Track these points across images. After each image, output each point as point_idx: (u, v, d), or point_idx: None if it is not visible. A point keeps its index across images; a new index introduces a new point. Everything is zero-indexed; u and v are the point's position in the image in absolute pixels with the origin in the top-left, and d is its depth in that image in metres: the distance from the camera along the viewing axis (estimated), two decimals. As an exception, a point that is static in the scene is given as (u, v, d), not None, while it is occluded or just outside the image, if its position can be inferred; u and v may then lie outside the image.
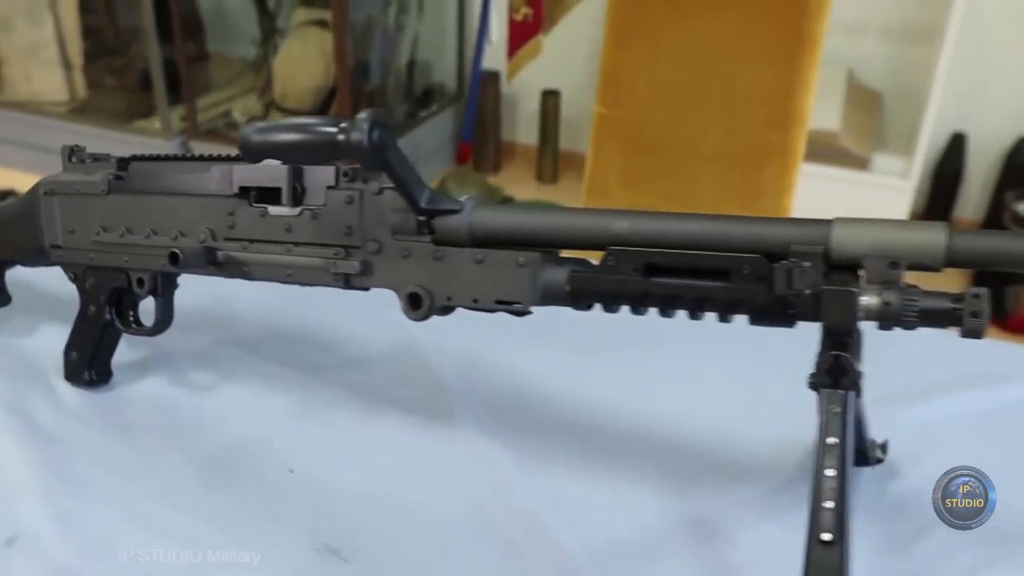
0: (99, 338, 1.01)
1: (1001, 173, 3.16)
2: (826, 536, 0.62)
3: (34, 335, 1.13)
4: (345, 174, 0.81)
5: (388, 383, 1.05)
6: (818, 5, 1.73)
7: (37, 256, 1.04)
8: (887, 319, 0.62)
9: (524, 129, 3.91)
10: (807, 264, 0.62)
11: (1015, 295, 2.81)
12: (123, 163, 0.97)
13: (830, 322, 0.64)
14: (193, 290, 1.05)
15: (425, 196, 0.75)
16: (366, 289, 0.82)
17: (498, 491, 0.87)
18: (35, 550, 0.79)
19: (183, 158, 0.93)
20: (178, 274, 0.97)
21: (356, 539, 0.81)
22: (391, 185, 0.76)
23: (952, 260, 0.62)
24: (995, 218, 3.09)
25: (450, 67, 3.91)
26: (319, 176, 0.83)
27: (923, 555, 0.81)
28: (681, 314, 0.70)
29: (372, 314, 1.02)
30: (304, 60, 3.33)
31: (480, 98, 3.74)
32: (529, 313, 0.75)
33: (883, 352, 1.09)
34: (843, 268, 0.64)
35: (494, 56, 3.45)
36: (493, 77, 3.65)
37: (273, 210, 0.85)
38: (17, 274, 1.14)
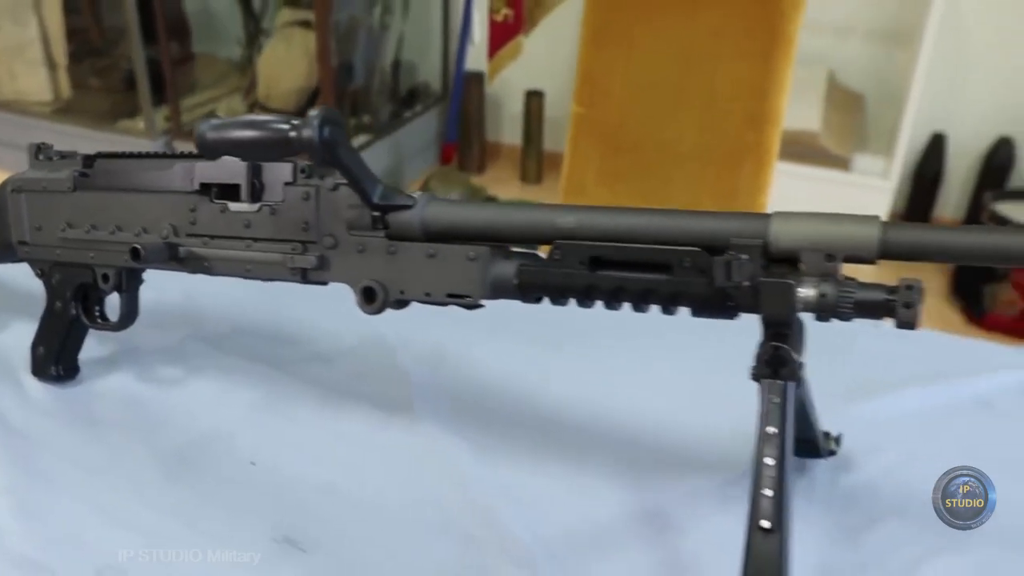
0: (66, 334, 1.02)
1: (980, 173, 3.19)
2: (765, 524, 0.64)
3: (1, 331, 1.15)
4: (302, 171, 0.82)
5: (352, 378, 1.06)
6: (792, 5, 1.74)
7: (5, 253, 1.05)
8: (824, 310, 0.63)
9: (509, 129, 3.92)
10: (745, 257, 0.63)
11: (992, 293, 2.84)
12: (88, 160, 0.98)
13: (769, 313, 0.65)
14: (163, 287, 1.06)
15: (378, 192, 0.76)
16: (324, 283, 0.84)
17: (456, 484, 0.88)
18: (0, 544, 0.80)
19: (147, 155, 0.94)
20: (142, 270, 0.98)
21: (315, 531, 0.82)
22: (346, 181, 0.77)
23: (886, 252, 0.63)
24: (974, 218, 3.12)
25: (435, 67, 3.92)
26: (277, 173, 0.84)
27: (873, 546, 0.82)
28: (627, 307, 0.71)
29: (340, 309, 1.02)
30: (288, 61, 3.34)
31: (464, 98, 3.75)
32: (480, 306, 0.76)
33: (846, 347, 1.12)
34: (782, 261, 0.65)
35: (477, 57, 3.47)
36: (477, 78, 3.67)
37: (233, 206, 0.86)
38: (-15, 271, 1.14)
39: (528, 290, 0.72)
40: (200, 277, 0.93)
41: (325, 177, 0.82)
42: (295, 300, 1.00)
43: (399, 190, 0.77)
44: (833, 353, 1.10)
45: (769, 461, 0.65)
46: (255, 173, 0.85)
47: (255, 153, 0.78)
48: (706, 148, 1.87)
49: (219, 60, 3.85)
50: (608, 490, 0.88)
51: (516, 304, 0.76)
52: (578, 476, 0.90)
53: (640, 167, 1.95)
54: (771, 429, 0.65)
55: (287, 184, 0.83)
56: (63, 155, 1.01)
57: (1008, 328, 2.76)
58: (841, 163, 3.18)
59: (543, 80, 3.63)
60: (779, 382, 0.66)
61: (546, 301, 0.74)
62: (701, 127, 1.87)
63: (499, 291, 0.74)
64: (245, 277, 0.88)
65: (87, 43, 3.67)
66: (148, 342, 1.12)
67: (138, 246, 0.87)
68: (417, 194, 0.77)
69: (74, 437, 0.96)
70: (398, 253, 0.77)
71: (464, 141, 3.84)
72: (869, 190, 3.11)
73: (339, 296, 0.86)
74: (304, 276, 0.83)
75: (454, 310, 0.80)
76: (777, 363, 0.66)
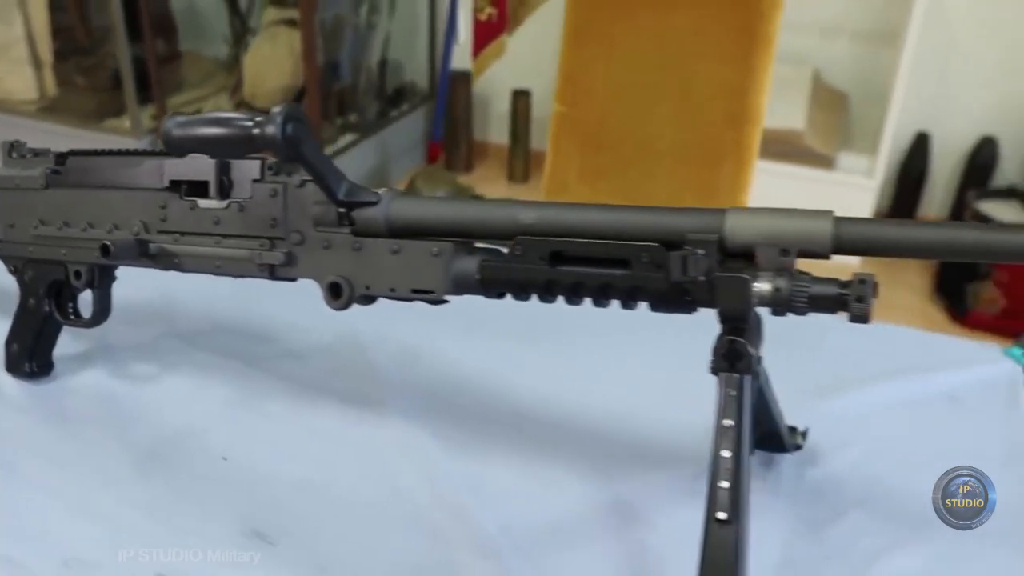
0: (39, 330, 1.02)
1: (964, 172, 3.21)
2: (721, 515, 0.65)
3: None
4: (270, 167, 0.83)
5: (325, 374, 1.07)
6: (771, 5, 1.75)
7: (-22, 250, 1.05)
8: (779, 304, 0.64)
9: (496, 129, 3.93)
10: (701, 252, 0.64)
11: (975, 292, 2.85)
12: (61, 158, 0.98)
13: (725, 308, 0.66)
14: (139, 284, 1.06)
15: (343, 188, 0.77)
16: (292, 280, 0.84)
17: (424, 478, 0.89)
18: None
19: (119, 152, 0.95)
20: (114, 267, 0.99)
21: (284, 524, 0.83)
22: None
23: (839, 247, 0.64)
24: (958, 216, 3.14)
25: (422, 66, 3.93)
26: (245, 170, 0.84)
27: (837, 538, 0.83)
28: (588, 302, 0.72)
29: (316, 307, 1.02)
30: (274, 59, 3.34)
31: (451, 98, 3.76)
32: (444, 302, 0.77)
33: (817, 343, 1.13)
34: (738, 256, 0.66)
35: (464, 56, 3.47)
36: (464, 77, 3.67)
37: (202, 203, 0.87)
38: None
39: (490, 285, 0.73)
40: (176, 275, 0.93)
41: (292, 174, 0.82)
42: (271, 297, 1.01)
43: (364, 187, 0.78)
44: (804, 349, 1.11)
45: (726, 454, 0.66)
46: (223, 170, 0.85)
47: (220, 150, 0.79)
48: (686, 146, 1.88)
49: (206, 59, 3.85)
50: (577, 484, 0.89)
51: (492, 301, 0.76)
52: (547, 470, 0.91)
53: (622, 165, 1.96)
54: (728, 422, 0.66)
55: (255, 181, 0.84)
56: (36, 152, 1.01)
57: (990, 326, 2.77)
58: (826, 162, 3.20)
59: (530, 79, 3.63)
60: (736, 375, 0.67)
61: (512, 297, 0.75)
62: (681, 126, 1.88)
63: (462, 286, 0.75)
64: (215, 273, 0.88)
65: (73, 41, 3.66)
66: (123, 339, 1.12)
67: (108, 242, 0.88)
68: (382, 191, 0.78)
69: (46, 433, 0.96)
70: (363, 249, 0.78)
71: (451, 140, 3.85)
72: (853, 189, 3.13)
73: (314, 293, 0.87)
74: (272, 272, 0.84)
75: (429, 307, 0.80)
76: (733, 357, 0.66)
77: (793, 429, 0.92)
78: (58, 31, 3.59)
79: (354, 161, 3.46)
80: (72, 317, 1.03)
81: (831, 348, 1.13)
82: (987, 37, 3.10)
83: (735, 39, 1.78)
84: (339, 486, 0.89)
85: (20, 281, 1.03)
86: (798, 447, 0.92)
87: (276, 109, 0.70)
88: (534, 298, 0.73)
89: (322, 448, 0.94)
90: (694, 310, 0.68)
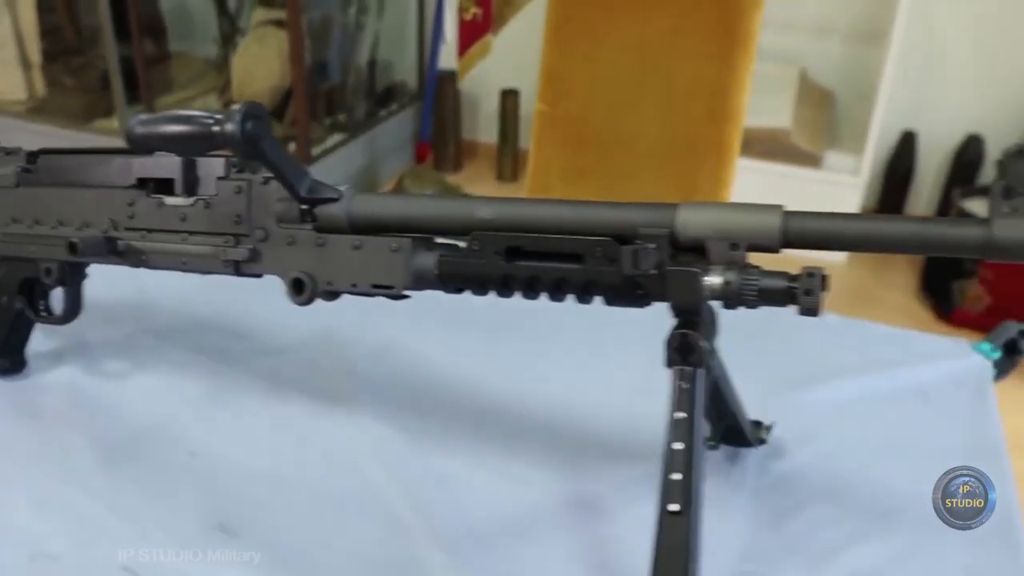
0: (11, 327, 1.03)
1: (950, 170, 3.22)
2: (673, 507, 0.66)
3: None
4: (234, 165, 0.84)
5: (297, 369, 1.07)
6: (751, 3, 1.76)
7: (-48, 248, 1.05)
8: (729, 297, 0.65)
9: (485, 128, 3.94)
10: (652, 246, 0.65)
11: (960, 289, 2.86)
12: (32, 156, 0.99)
13: (676, 301, 0.67)
14: (117, 281, 1.07)
15: (305, 185, 0.77)
16: (257, 276, 0.85)
17: (390, 472, 0.89)
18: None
19: (89, 151, 0.95)
20: (85, 264, 0.99)
21: (247, 517, 0.84)
22: None
23: (788, 241, 0.64)
24: (944, 214, 3.15)
25: (411, 66, 3.93)
26: (210, 167, 0.85)
27: (797, 530, 0.85)
28: (549, 297, 0.72)
29: (292, 304, 1.04)
30: (262, 60, 3.34)
31: (440, 97, 3.76)
32: (405, 297, 0.78)
33: (788, 339, 1.14)
34: (690, 250, 0.66)
35: (452, 56, 3.48)
36: (452, 77, 3.67)
37: (169, 200, 0.88)
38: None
39: (448, 280, 0.74)
40: (155, 272, 0.94)
41: (257, 171, 0.83)
42: (248, 295, 1.01)
43: (326, 184, 0.79)
44: (773, 345, 1.13)
45: (678, 446, 0.67)
46: (189, 168, 0.86)
47: (182, 147, 0.79)
48: (668, 144, 1.89)
49: (196, 59, 3.85)
50: (541, 478, 0.89)
51: (465, 298, 0.77)
52: (512, 464, 0.91)
53: (604, 164, 1.97)
54: (680, 414, 0.67)
55: (220, 178, 0.85)
56: (7, 151, 1.02)
57: (975, 323, 2.78)
58: (812, 160, 3.21)
59: (518, 78, 3.64)
60: (688, 368, 0.68)
61: (471, 292, 0.75)
62: (663, 124, 1.89)
63: (421, 282, 0.75)
64: (182, 270, 0.89)
65: (62, 42, 3.67)
66: (98, 336, 1.13)
67: (75, 240, 0.88)
68: (343, 187, 0.79)
69: (15, 429, 0.97)
70: (326, 245, 0.79)
71: (440, 140, 3.86)
72: (840, 187, 3.14)
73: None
74: (237, 268, 0.84)
75: (404, 303, 0.81)
76: (685, 350, 0.67)
77: (758, 424, 0.93)
78: (47, 32, 3.59)
79: (343, 161, 3.47)
80: (44, 314, 1.03)
81: (801, 344, 1.14)
82: (972, 36, 3.11)
83: (715, 37, 1.79)
84: (304, 480, 0.90)
85: (-8, 279, 1.04)
86: (762, 441, 0.93)
87: (236, 107, 0.71)
88: (492, 293, 0.74)
89: (289, 442, 0.95)
90: (648, 304, 0.69)
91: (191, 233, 0.87)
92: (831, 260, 3.15)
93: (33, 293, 1.03)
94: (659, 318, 0.71)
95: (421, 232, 0.76)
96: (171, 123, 0.75)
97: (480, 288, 0.73)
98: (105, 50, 3.36)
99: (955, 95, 3.20)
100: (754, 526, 0.85)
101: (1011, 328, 1.14)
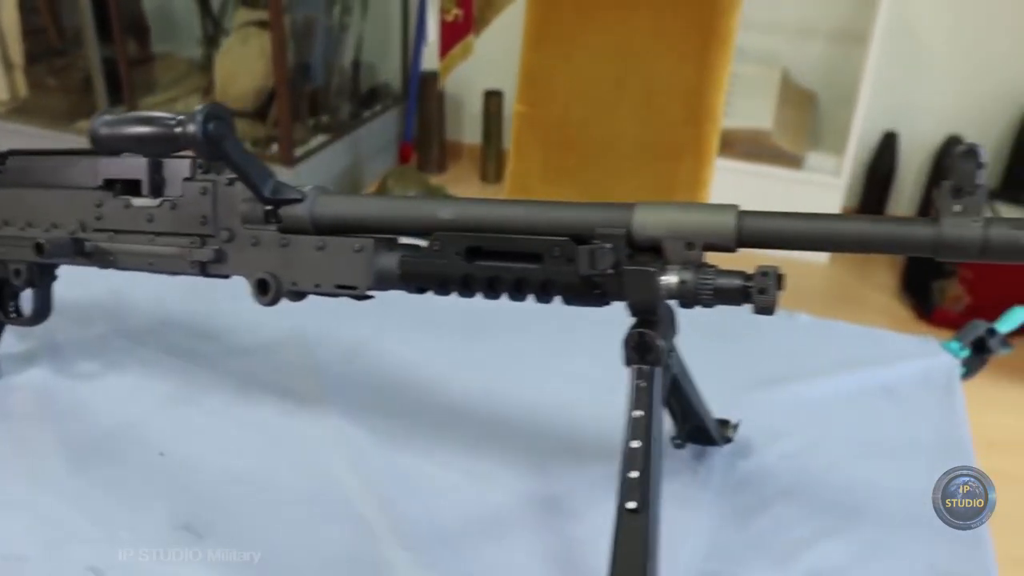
0: (-20, 329, 1.03)
1: (931, 171, 3.24)
2: (631, 504, 0.66)
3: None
4: (200, 166, 0.84)
5: (267, 370, 1.07)
6: (729, 3, 1.77)
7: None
8: (685, 296, 0.65)
9: (469, 129, 3.94)
10: (608, 246, 0.65)
11: (941, 289, 2.88)
12: (1, 158, 0.99)
13: (633, 300, 0.67)
14: (91, 283, 1.07)
15: (269, 186, 0.78)
16: (224, 276, 0.85)
17: (356, 472, 0.90)
18: None
19: (58, 152, 0.95)
20: (53, 265, 0.99)
21: (214, 517, 0.84)
22: None
23: (743, 240, 0.65)
24: (925, 214, 3.14)
25: (395, 67, 3.93)
26: (176, 169, 0.86)
27: (762, 528, 0.85)
28: (509, 296, 0.73)
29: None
30: (245, 61, 3.34)
31: (424, 99, 3.76)
32: (369, 297, 0.78)
33: (758, 339, 1.15)
34: (647, 250, 0.67)
35: (435, 57, 3.48)
36: (436, 78, 3.67)
37: (136, 201, 0.88)
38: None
39: (410, 280, 0.74)
40: (129, 274, 0.94)
41: (222, 172, 0.83)
42: (220, 296, 1.01)
43: (290, 185, 0.79)
44: (743, 344, 1.13)
45: (635, 444, 0.67)
46: (155, 169, 0.86)
47: (145, 148, 0.80)
48: (646, 145, 1.90)
49: (180, 60, 3.84)
50: (507, 477, 0.90)
51: (438, 300, 0.77)
52: (479, 464, 0.92)
53: (583, 164, 1.98)
54: (638, 413, 0.68)
55: (186, 179, 0.85)
56: (-22, 153, 1.02)
57: (956, 323, 2.78)
58: (794, 161, 3.22)
59: (502, 80, 3.64)
60: (646, 367, 0.68)
61: (433, 292, 0.76)
62: (641, 124, 1.90)
63: (384, 281, 0.76)
64: (149, 271, 0.89)
65: (44, 43, 3.66)
66: (69, 337, 1.13)
67: (41, 241, 0.88)
68: (307, 188, 0.79)
69: (-16, 430, 0.97)
70: (290, 246, 0.79)
71: (424, 141, 3.86)
72: (821, 187, 3.16)
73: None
74: (203, 269, 0.84)
75: (377, 305, 0.82)
76: (643, 349, 0.68)
77: (725, 422, 0.94)
78: (29, 32, 3.58)
79: (326, 162, 3.47)
80: (13, 316, 1.03)
81: (771, 344, 1.15)
82: (952, 38, 3.13)
83: (692, 38, 1.80)
84: (271, 479, 0.90)
85: (-38, 280, 1.04)
86: (728, 440, 0.94)
87: (198, 108, 0.71)
88: (455, 294, 0.74)
89: (257, 442, 0.95)
90: (606, 303, 0.70)
91: (158, 234, 0.87)
92: (814, 260, 3.17)
93: (2, 294, 1.03)
94: (626, 318, 0.71)
95: (384, 233, 0.77)
96: (134, 124, 0.75)
97: (442, 288, 0.73)
98: (87, 51, 3.36)
99: (936, 96, 3.22)
100: (719, 524, 0.85)
101: (979, 327, 1.15)
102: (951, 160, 0.60)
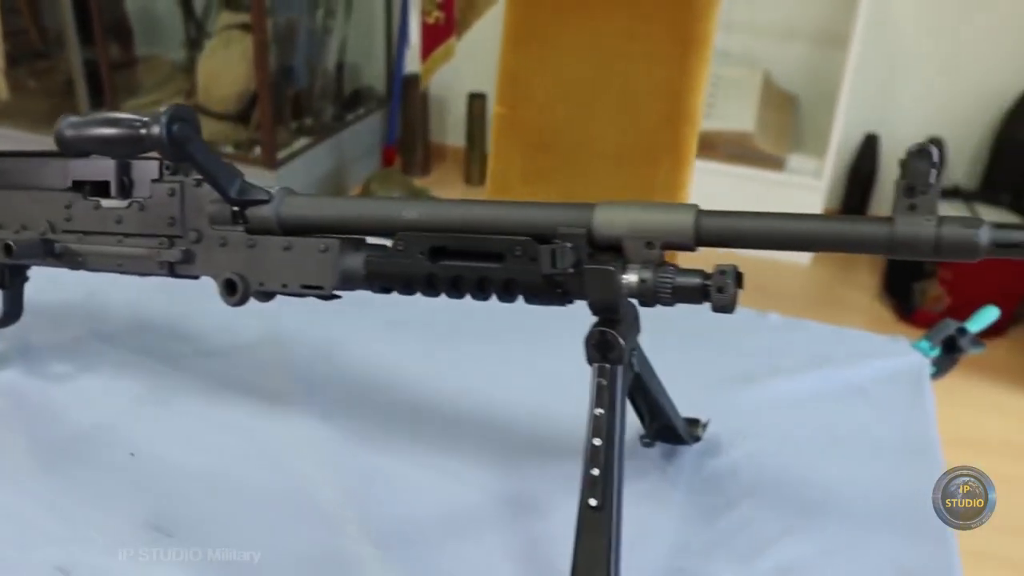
0: (-48, 331, 1.03)
1: (912, 172, 3.25)
2: (593, 502, 0.67)
3: None
4: (167, 167, 0.84)
5: (241, 371, 1.08)
6: (706, 4, 1.77)
7: None
8: (645, 295, 0.66)
9: (453, 132, 3.95)
10: (569, 245, 0.66)
11: (922, 290, 2.90)
12: (-29, 160, 0.99)
13: (594, 299, 0.68)
14: (66, 284, 1.07)
15: (236, 186, 0.78)
16: (193, 277, 0.85)
17: (326, 470, 0.90)
18: None
19: (28, 154, 0.96)
20: (24, 267, 0.99)
21: (184, 516, 0.84)
22: None
23: (702, 239, 0.66)
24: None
25: (379, 70, 3.93)
26: (145, 169, 0.86)
27: (729, 525, 0.86)
28: (473, 296, 0.73)
29: (244, 307, 1.05)
30: (227, 63, 3.34)
31: (407, 101, 3.77)
32: (335, 297, 0.78)
33: (729, 338, 1.15)
34: (608, 249, 0.68)
35: (418, 59, 3.49)
36: (419, 80, 3.68)
37: (105, 203, 0.88)
38: None
39: (375, 279, 0.75)
40: (105, 276, 0.94)
41: (190, 173, 0.84)
42: (198, 297, 1.01)
43: (258, 186, 0.79)
44: (714, 344, 1.14)
45: (597, 442, 0.68)
46: (124, 170, 0.87)
47: (111, 149, 0.80)
48: (624, 147, 1.91)
49: (163, 62, 3.84)
50: (477, 476, 0.90)
51: (411, 300, 0.77)
52: (449, 462, 0.92)
53: (562, 166, 1.98)
54: (599, 411, 0.68)
55: (154, 180, 0.85)
56: (-52, 154, 1.02)
57: (936, 323, 2.81)
58: (775, 163, 3.24)
59: (486, 82, 3.65)
60: (607, 366, 0.69)
61: (398, 292, 0.76)
62: (619, 126, 1.90)
63: (349, 281, 0.76)
64: (119, 272, 0.89)
65: (26, 45, 3.65)
66: (43, 339, 1.13)
67: (10, 242, 0.88)
68: (274, 188, 0.79)
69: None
70: (257, 246, 0.79)
71: (408, 143, 3.86)
72: (802, 189, 3.18)
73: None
74: (172, 270, 0.85)
75: (350, 306, 0.82)
76: (605, 347, 0.68)
77: (694, 421, 0.94)
78: (10, 34, 3.57)
79: (310, 165, 3.47)
80: (-16, 318, 1.04)
81: (742, 343, 1.16)
82: (932, 40, 3.16)
83: (670, 40, 1.80)
84: (243, 479, 0.90)
85: (-67, 282, 1.04)
86: (697, 439, 0.94)
87: (163, 109, 0.72)
88: (419, 293, 0.75)
89: (229, 442, 0.95)
90: (569, 302, 0.70)
91: (126, 235, 0.87)
92: (796, 261, 3.19)
93: (-27, 296, 1.03)
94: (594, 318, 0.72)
95: (350, 234, 0.77)
96: (100, 126, 0.76)
97: (406, 288, 0.74)
98: (69, 53, 3.35)
99: (916, 99, 3.24)
100: (686, 522, 0.86)
101: (949, 326, 1.16)
102: (905, 159, 0.61)
